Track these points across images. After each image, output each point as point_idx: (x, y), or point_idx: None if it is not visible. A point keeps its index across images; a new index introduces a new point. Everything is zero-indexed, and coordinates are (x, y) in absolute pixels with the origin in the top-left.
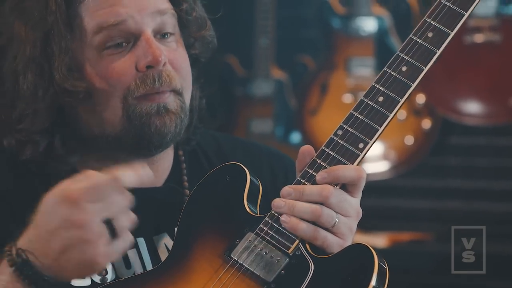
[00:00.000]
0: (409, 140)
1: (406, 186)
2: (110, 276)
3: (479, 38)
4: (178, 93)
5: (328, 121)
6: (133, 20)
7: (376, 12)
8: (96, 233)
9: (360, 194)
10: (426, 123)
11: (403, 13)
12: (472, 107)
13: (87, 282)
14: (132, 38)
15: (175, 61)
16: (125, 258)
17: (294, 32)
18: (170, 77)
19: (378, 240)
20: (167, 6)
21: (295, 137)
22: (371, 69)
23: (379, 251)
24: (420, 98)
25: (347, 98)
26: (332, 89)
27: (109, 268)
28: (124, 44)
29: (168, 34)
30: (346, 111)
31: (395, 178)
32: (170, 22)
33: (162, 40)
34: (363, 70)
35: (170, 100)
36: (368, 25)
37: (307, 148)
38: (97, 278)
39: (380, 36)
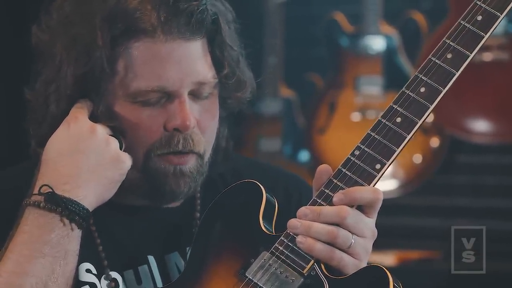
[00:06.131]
0: (417, 158)
1: (414, 205)
2: None
3: (487, 56)
4: (199, 155)
5: (336, 140)
6: (173, 85)
7: (384, 30)
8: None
9: (375, 215)
10: (434, 142)
11: (411, 32)
12: (480, 125)
13: None
14: (166, 95)
15: (204, 122)
16: (136, 274)
17: (302, 51)
18: (195, 142)
19: (386, 258)
20: (210, 76)
21: (303, 155)
22: (380, 87)
23: (394, 272)
24: (429, 117)
25: (356, 116)
26: (340, 107)
27: (120, 281)
28: (158, 97)
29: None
30: (354, 129)
31: (403, 196)
32: (208, 87)
33: (197, 99)
34: (372, 89)
35: (189, 162)
36: (377, 43)
37: (324, 167)
38: None
39: (389, 54)
